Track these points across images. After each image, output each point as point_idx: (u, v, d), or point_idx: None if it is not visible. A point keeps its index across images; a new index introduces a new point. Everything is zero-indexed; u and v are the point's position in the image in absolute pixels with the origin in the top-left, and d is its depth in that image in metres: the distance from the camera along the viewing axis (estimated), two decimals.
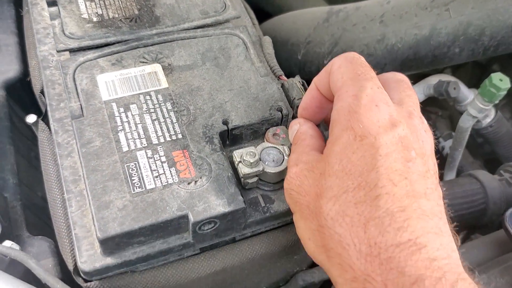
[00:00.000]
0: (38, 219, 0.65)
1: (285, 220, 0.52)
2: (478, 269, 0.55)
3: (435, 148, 1.06)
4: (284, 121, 0.54)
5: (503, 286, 0.51)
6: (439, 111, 1.05)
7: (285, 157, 0.49)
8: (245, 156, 0.47)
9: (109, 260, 0.45)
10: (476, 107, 0.71)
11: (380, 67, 0.73)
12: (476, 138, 1.12)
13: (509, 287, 0.51)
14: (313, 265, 0.61)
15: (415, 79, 0.91)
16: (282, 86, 0.55)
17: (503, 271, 0.52)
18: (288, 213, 0.51)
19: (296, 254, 0.56)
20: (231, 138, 0.52)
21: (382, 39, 0.71)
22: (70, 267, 0.48)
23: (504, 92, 0.67)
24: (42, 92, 0.56)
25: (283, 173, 0.49)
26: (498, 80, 0.67)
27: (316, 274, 0.59)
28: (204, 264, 0.50)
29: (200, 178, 0.47)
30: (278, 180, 0.50)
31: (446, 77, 0.85)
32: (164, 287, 0.50)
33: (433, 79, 0.85)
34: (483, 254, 0.50)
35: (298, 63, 0.79)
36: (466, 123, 0.73)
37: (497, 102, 0.70)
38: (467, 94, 0.86)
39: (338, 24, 0.74)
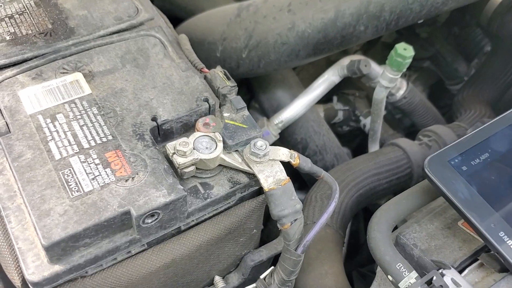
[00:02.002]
0: None
1: (227, 204, 0.54)
2: (410, 220, 0.59)
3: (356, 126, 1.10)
4: (212, 111, 0.56)
5: (433, 231, 0.55)
6: (356, 92, 1.11)
7: (218, 143, 0.51)
8: (178, 147, 0.49)
9: (58, 267, 0.45)
10: (387, 78, 0.76)
11: (294, 53, 0.77)
12: (395, 114, 1.19)
13: (439, 231, 0.55)
14: (260, 245, 0.63)
15: (330, 63, 0.96)
16: (205, 77, 0.57)
17: (432, 218, 0.56)
18: (229, 196, 0.53)
19: (241, 236, 0.58)
20: (162, 133, 0.54)
21: (293, 26, 0.75)
22: (18, 283, 0.47)
23: (410, 60, 0.73)
24: None
25: (217, 159, 0.51)
26: (403, 49, 0.72)
27: (264, 253, 0.61)
28: (153, 258, 0.51)
29: (137, 174, 0.48)
30: (215, 167, 0.52)
31: (356, 57, 0.91)
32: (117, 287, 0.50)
33: (345, 60, 0.90)
34: (412, 204, 0.54)
35: (218, 61, 0.82)
36: (379, 95, 0.79)
37: (404, 70, 0.75)
38: (378, 71, 0.91)
39: (250, 17, 0.78)
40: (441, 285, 0.47)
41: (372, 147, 0.93)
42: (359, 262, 0.95)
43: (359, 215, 1.03)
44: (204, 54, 0.82)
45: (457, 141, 0.52)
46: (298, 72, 1.14)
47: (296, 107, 0.88)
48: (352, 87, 1.13)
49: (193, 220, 0.53)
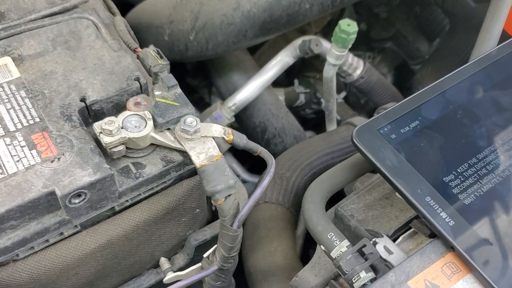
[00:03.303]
0: None
1: (162, 183, 0.54)
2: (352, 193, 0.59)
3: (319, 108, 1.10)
4: (144, 90, 0.55)
5: (371, 202, 0.55)
6: (317, 74, 1.11)
7: (147, 122, 0.51)
8: (104, 126, 0.49)
9: None
10: (333, 55, 0.76)
11: (242, 34, 0.77)
12: (360, 98, 1.20)
13: (377, 202, 0.55)
14: (205, 224, 0.63)
15: (285, 44, 0.96)
16: (138, 57, 0.57)
17: (371, 189, 0.56)
18: (162, 175, 0.53)
19: (183, 216, 0.58)
20: (92, 114, 0.53)
21: (238, 6, 0.75)
22: None
23: (354, 36, 0.73)
24: None
25: (148, 137, 0.51)
26: (347, 25, 0.72)
27: (208, 232, 0.61)
28: (87, 240, 0.51)
29: (63, 154, 0.48)
30: (146, 146, 0.52)
31: (308, 37, 0.90)
32: (51, 271, 0.50)
33: (299, 41, 0.90)
34: (347, 176, 0.54)
35: (166, 45, 0.81)
36: (328, 73, 0.78)
37: (349, 46, 0.75)
38: None
39: None
40: (371, 252, 0.47)
41: (329, 127, 0.93)
42: None
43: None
44: (153, 39, 0.82)
45: (387, 110, 0.52)
46: (259, 56, 1.14)
47: (249, 89, 0.87)
48: (314, 70, 1.13)
49: (127, 201, 0.52)
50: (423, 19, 1.20)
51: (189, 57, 0.81)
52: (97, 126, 0.49)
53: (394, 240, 0.51)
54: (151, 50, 0.56)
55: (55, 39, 0.57)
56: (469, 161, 0.49)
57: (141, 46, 0.81)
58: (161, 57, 0.56)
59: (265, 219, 0.70)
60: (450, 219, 0.45)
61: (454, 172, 0.48)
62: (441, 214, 0.45)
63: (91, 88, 0.53)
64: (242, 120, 0.96)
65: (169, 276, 0.59)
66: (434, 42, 1.22)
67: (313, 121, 1.19)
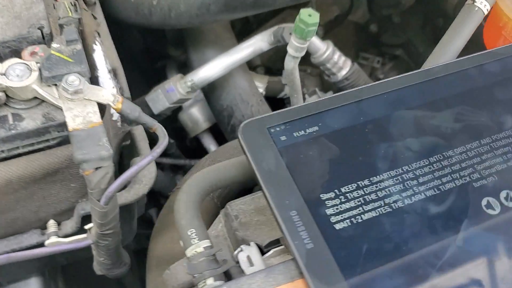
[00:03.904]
0: None
1: (45, 141, 0.51)
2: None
3: None
4: (47, 40, 0.52)
5: (263, 206, 0.50)
6: (308, 68, 1.05)
7: (32, 73, 0.48)
8: None
9: None
10: (293, 46, 0.69)
11: (205, 7, 0.72)
12: None
13: (268, 207, 0.50)
14: None
15: None
16: (54, 7, 0.54)
17: (250, 201, 0.51)
18: (41, 132, 0.50)
19: (72, 182, 0.55)
20: None
21: None
22: None
23: (314, 28, 0.66)
24: None
25: (29, 89, 0.48)
26: (307, 15, 0.66)
27: None
28: None
29: None
30: (29, 98, 0.49)
31: (285, 24, 0.84)
32: None
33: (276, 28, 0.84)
34: (234, 173, 0.49)
35: (132, 7, 0.78)
36: (288, 65, 0.72)
37: (310, 39, 0.69)
38: (317, 44, 0.86)
39: None
40: (224, 259, 0.43)
41: None
42: None
43: None
44: None
45: (286, 109, 0.46)
46: None
47: (212, 67, 0.82)
48: (306, 64, 1.07)
49: (3, 151, 0.49)
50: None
51: (154, 23, 0.77)
52: None
53: (266, 252, 0.46)
54: (66, 1, 0.53)
55: None
56: (358, 182, 0.43)
57: (109, 7, 0.79)
58: (76, 11, 0.53)
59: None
60: (310, 241, 0.40)
61: (336, 191, 0.42)
62: (301, 233, 0.40)
63: None
64: (210, 101, 0.92)
65: (51, 240, 0.56)
66: None
67: None
